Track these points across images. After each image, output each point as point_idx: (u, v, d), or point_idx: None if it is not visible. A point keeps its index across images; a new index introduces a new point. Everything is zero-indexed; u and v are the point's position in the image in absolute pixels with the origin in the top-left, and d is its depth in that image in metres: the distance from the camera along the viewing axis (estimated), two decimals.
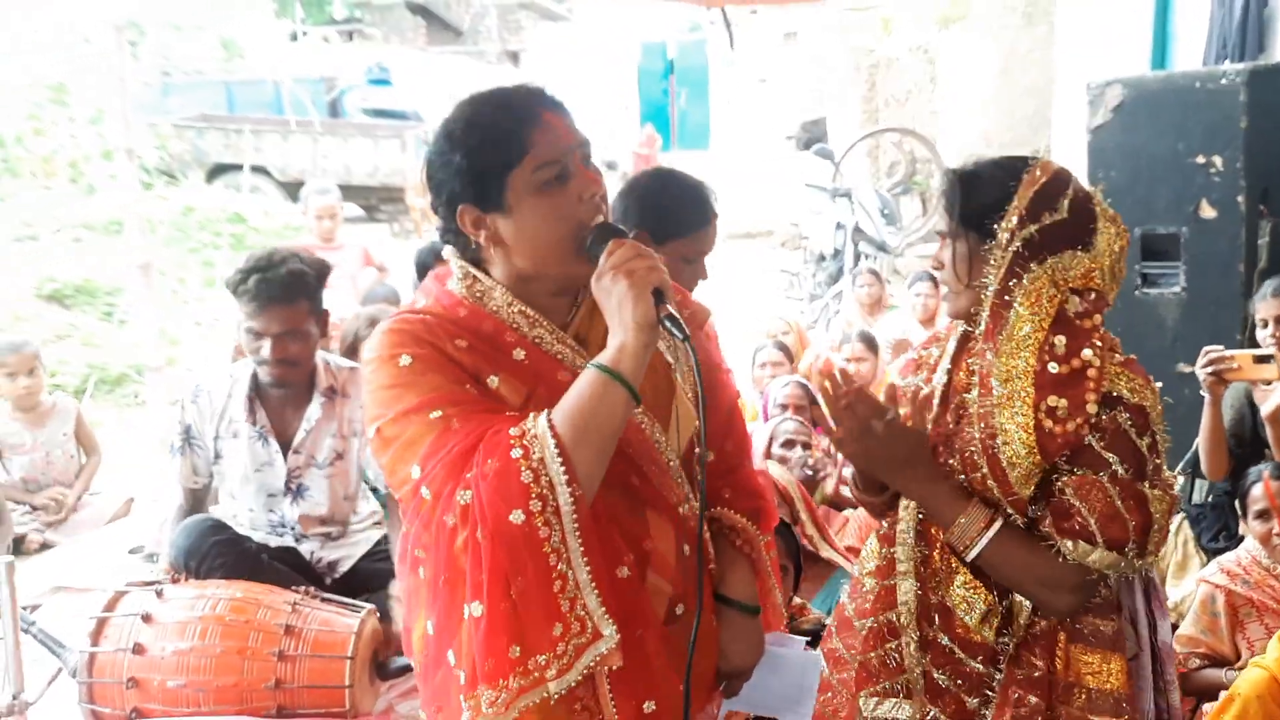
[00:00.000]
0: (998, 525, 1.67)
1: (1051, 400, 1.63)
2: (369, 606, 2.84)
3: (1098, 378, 1.63)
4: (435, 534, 1.44)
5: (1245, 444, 3.41)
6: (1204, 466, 3.34)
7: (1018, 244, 1.66)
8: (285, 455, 3.06)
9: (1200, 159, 4.41)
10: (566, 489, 1.40)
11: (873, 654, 1.81)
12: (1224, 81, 4.34)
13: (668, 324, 1.47)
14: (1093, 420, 1.62)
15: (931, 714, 1.75)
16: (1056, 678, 1.70)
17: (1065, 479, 1.64)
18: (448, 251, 1.64)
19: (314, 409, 3.05)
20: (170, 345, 6.73)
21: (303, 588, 2.85)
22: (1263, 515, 2.93)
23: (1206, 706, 2.68)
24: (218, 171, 14.62)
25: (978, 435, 1.70)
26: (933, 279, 6.44)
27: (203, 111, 15.37)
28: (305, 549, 3.16)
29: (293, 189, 14.46)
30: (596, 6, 27.07)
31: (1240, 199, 4.32)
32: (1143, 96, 4.62)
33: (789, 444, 3.82)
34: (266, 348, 2.91)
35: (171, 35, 17.04)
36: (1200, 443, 3.30)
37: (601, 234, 1.53)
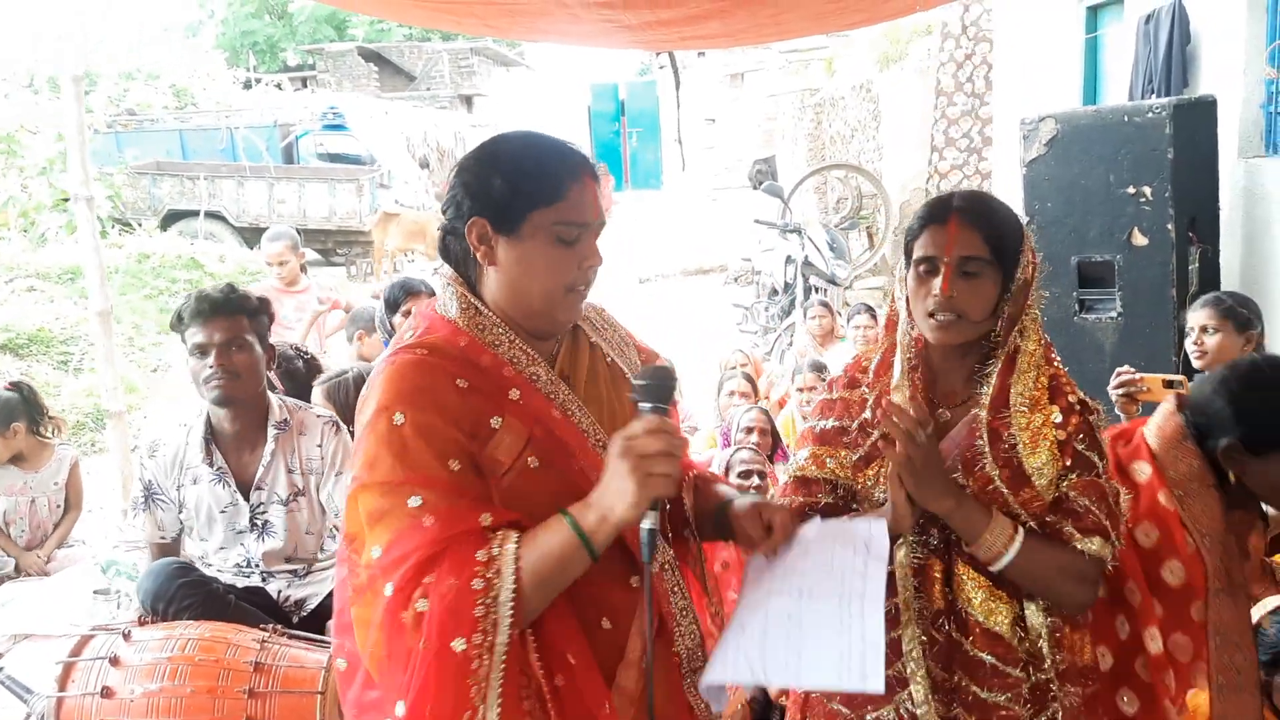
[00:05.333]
0: (1022, 533, 1.75)
1: (1052, 410, 1.80)
2: (337, 642, 2.86)
3: (1068, 386, 1.83)
4: (391, 629, 1.46)
5: None
6: None
7: (1031, 277, 1.83)
8: (246, 494, 3.11)
9: (1131, 189, 4.61)
10: (507, 633, 1.45)
11: (884, 710, 1.85)
12: (1151, 115, 4.55)
13: (645, 535, 1.49)
14: (1074, 423, 1.80)
15: None
16: (1070, 667, 1.85)
17: (1070, 482, 1.78)
18: (445, 273, 1.68)
19: (269, 444, 3.10)
20: (128, 392, 6.70)
21: (270, 625, 2.87)
22: None
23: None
24: (172, 218, 14.62)
25: (988, 450, 1.79)
26: (870, 311, 6.66)
27: (156, 159, 15.37)
28: (273, 588, 3.18)
29: (248, 234, 14.49)
30: (548, 51, 27.35)
31: (1170, 226, 4.52)
32: (1075, 130, 4.82)
33: (745, 474, 3.92)
34: (211, 358, 2.98)
35: (124, 84, 17.01)
36: None
37: (659, 388, 1.53)
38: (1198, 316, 3.57)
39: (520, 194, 1.58)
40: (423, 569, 1.45)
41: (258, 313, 3.11)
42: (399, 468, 1.50)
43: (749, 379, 5.52)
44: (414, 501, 1.48)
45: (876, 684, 1.55)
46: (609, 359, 1.78)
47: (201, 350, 3.00)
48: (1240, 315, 3.55)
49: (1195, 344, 3.55)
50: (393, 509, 1.49)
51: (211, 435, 3.11)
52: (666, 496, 1.51)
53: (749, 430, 4.37)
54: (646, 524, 1.49)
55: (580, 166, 1.63)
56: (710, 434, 5.28)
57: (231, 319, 3.02)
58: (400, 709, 1.45)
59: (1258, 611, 2.68)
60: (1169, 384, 3.17)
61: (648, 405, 1.53)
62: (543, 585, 1.47)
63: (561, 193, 1.59)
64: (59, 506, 4.54)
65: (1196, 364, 3.58)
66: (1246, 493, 2.05)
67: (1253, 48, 4.97)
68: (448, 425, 1.53)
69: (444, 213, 1.66)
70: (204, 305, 3.01)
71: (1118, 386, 3.22)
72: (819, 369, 5.41)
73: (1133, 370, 3.18)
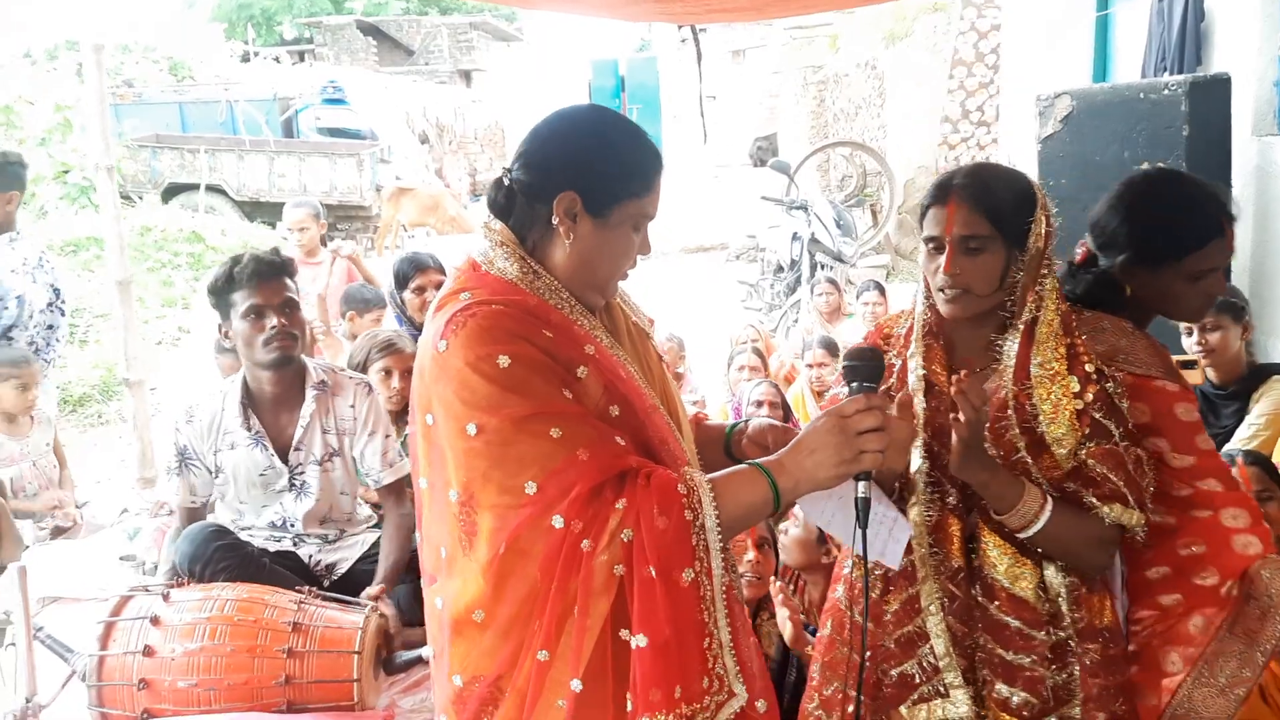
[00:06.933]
0: (1051, 503, 1.81)
1: (1070, 380, 1.83)
2: (371, 604, 2.91)
3: (1086, 355, 1.86)
4: (567, 560, 1.49)
5: None
6: None
7: (1044, 247, 1.85)
8: (285, 457, 3.14)
9: (1146, 166, 4.63)
10: (720, 559, 1.51)
11: (908, 664, 1.92)
12: (1166, 92, 4.57)
13: (860, 504, 1.58)
14: (1092, 392, 1.83)
15: (1010, 695, 1.86)
16: (1088, 626, 1.89)
17: (1087, 451, 1.82)
18: (497, 230, 1.68)
19: (308, 404, 3.14)
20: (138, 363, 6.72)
21: (306, 587, 2.92)
22: None
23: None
24: (173, 191, 14.55)
25: (1014, 420, 1.84)
26: (880, 288, 6.69)
27: (156, 132, 15.28)
28: (304, 552, 3.23)
29: (249, 208, 14.46)
30: (547, 27, 27.25)
31: None
32: (1090, 107, 4.84)
33: (758, 403, 4.14)
34: (272, 320, 3.02)
35: (122, 57, 16.89)
36: None
37: (867, 368, 1.62)
38: None
39: (622, 183, 1.63)
40: (589, 500, 1.48)
41: (294, 275, 3.18)
42: (524, 401, 1.51)
43: (759, 354, 5.57)
44: (555, 432, 1.50)
45: (892, 562, 1.79)
46: (633, 319, 1.85)
47: (258, 312, 3.02)
48: (1236, 307, 3.60)
49: (1199, 343, 3.58)
50: (533, 441, 1.50)
51: (249, 399, 3.14)
52: (872, 470, 1.58)
53: (759, 403, 4.44)
54: (861, 493, 1.58)
55: (660, 159, 1.69)
56: (721, 408, 5.33)
57: (282, 280, 3.08)
58: (641, 640, 1.48)
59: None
60: (1181, 364, 3.18)
61: (856, 384, 1.61)
62: (728, 528, 1.53)
63: (651, 186, 1.66)
64: (55, 466, 4.61)
65: (1202, 361, 3.62)
66: (1141, 308, 2.05)
67: (1268, 25, 4.98)
68: (549, 364, 1.56)
69: (516, 171, 1.67)
70: (261, 266, 3.04)
71: None
72: (829, 345, 5.46)
73: None
